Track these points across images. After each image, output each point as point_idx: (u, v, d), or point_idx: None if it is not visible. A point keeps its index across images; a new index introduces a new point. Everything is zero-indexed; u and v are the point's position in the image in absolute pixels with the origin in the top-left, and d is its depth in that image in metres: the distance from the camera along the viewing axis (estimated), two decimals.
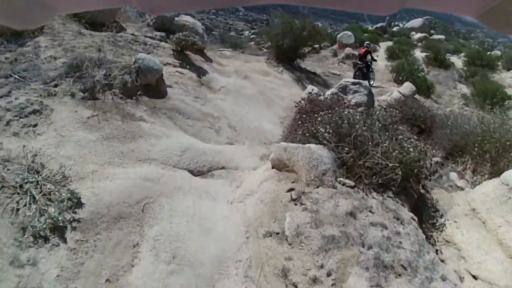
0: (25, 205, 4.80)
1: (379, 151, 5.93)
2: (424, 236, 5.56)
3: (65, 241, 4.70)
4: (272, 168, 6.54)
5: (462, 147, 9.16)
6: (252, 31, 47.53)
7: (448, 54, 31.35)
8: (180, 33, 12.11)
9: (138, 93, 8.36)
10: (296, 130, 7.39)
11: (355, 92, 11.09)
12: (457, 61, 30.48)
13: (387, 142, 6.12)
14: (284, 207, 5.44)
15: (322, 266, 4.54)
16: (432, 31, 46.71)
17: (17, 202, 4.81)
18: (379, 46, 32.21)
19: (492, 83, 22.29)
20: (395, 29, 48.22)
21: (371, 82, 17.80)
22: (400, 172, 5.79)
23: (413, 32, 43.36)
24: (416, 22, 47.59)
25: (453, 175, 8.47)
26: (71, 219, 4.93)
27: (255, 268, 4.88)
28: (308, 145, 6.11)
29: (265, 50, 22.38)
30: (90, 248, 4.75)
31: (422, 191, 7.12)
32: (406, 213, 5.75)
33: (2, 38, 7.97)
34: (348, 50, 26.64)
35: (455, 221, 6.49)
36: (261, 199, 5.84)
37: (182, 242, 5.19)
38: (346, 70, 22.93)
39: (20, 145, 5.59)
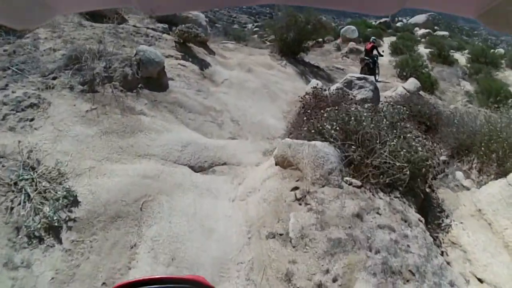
0: (19, 204, 4.63)
1: (387, 149, 5.72)
2: (432, 239, 5.38)
3: (60, 242, 4.54)
4: (276, 165, 6.35)
5: (468, 145, 8.92)
6: (256, 24, 47.22)
7: (451, 51, 31.07)
8: (183, 25, 11.94)
9: (139, 86, 8.18)
10: (301, 126, 7.16)
11: (360, 87, 10.86)
12: (461, 58, 30.27)
13: (395, 141, 5.92)
14: (288, 207, 5.25)
15: (327, 271, 4.35)
16: (435, 27, 46.32)
17: (12, 201, 4.64)
18: (383, 41, 31.91)
19: (496, 81, 22.09)
20: (398, 24, 47.84)
21: (377, 77, 17.58)
22: (408, 172, 5.60)
23: (416, 28, 43.09)
24: (420, 18, 47.25)
25: (459, 174, 8.28)
26: (67, 218, 4.76)
27: (258, 271, 4.70)
28: (313, 142, 5.91)
29: (268, 43, 22.27)
30: (86, 249, 4.58)
31: (427, 190, 6.92)
32: (413, 214, 5.57)
33: (0, 30, 7.77)
34: (351, 44, 26.32)
35: (461, 222, 6.31)
36: (264, 198, 5.66)
37: (181, 243, 5.00)
38: (350, 64, 22.71)
39: (16, 141, 5.40)
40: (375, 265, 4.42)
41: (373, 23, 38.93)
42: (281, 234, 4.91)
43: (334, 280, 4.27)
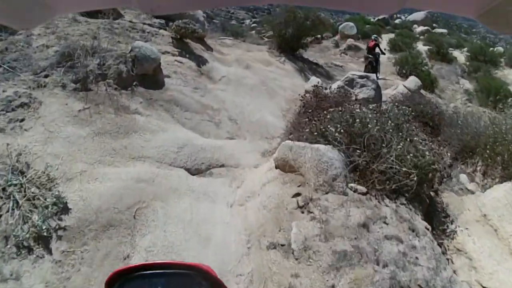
0: (7, 211, 4.39)
1: (394, 154, 5.45)
2: (440, 249, 5.16)
3: (50, 252, 4.30)
4: (276, 168, 6.10)
5: (472, 147, 8.81)
6: (253, 20, 46.91)
7: (450, 49, 31.07)
8: (180, 21, 11.70)
9: (134, 83, 7.93)
10: (304, 128, 6.87)
11: (362, 86, 10.62)
12: (460, 55, 30.31)
13: (401, 144, 5.65)
14: (289, 215, 4.98)
15: (333, 287, 4.08)
16: (434, 25, 46.20)
17: (0, 208, 4.39)
18: (381, 38, 31.78)
19: (496, 80, 22.12)
20: (397, 21, 47.70)
21: (378, 75, 17.40)
22: (415, 178, 5.35)
23: (415, 25, 42.88)
24: (418, 15, 46.99)
25: (463, 177, 8.14)
26: (57, 227, 4.52)
27: (258, 284, 4.43)
28: (316, 145, 5.62)
29: (266, 39, 22.08)
30: (77, 261, 4.34)
31: (432, 193, 6.70)
32: (420, 222, 5.33)
33: None
34: (350, 41, 26.21)
35: (466, 228, 6.13)
36: (264, 205, 5.39)
37: (177, 253, 4.73)
38: (348, 61, 22.67)
39: (5, 143, 5.15)
40: (383, 280, 4.16)
41: (372, 19, 38.79)
42: (282, 245, 4.65)
43: None
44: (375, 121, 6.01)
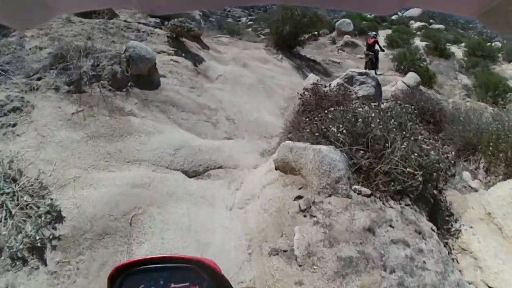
0: (0, 221, 4.25)
1: (398, 154, 5.27)
2: (447, 251, 5.02)
3: (45, 263, 4.17)
4: (276, 169, 5.94)
5: (474, 144, 8.75)
6: (250, 17, 46.77)
7: (448, 44, 31.10)
8: (176, 19, 11.53)
9: (129, 84, 7.77)
10: (303, 128, 6.68)
11: (362, 83, 10.47)
12: (457, 51, 30.45)
13: (405, 144, 5.47)
14: (291, 219, 4.81)
15: None
16: (431, 20, 46.13)
17: None
18: (378, 34, 31.70)
19: (494, 75, 22.21)
20: (394, 17, 47.57)
21: (376, 71, 17.55)
22: (421, 179, 5.18)
23: (412, 21, 42.78)
24: (415, 11, 46.76)
25: (466, 175, 8.06)
26: (51, 237, 4.38)
27: None
28: (318, 146, 5.43)
29: (262, 36, 21.94)
30: (73, 271, 4.20)
31: (435, 192, 6.55)
32: (425, 224, 5.17)
33: None
34: (347, 37, 26.15)
35: (471, 227, 6.00)
36: (265, 208, 5.22)
37: None
38: (346, 58, 22.58)
39: None
40: (390, 286, 4.01)
41: (368, 16, 38.63)
42: (285, 251, 4.47)
43: None
44: (378, 120, 5.82)
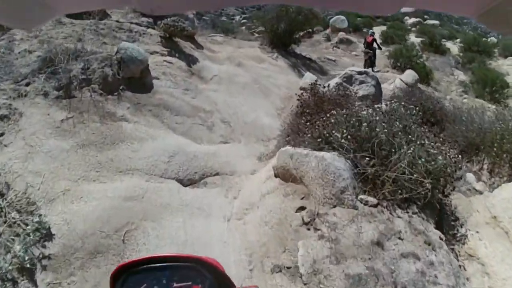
0: None
1: (405, 160, 5.00)
2: (457, 262, 4.87)
3: (35, 284, 4.02)
4: (275, 177, 5.65)
5: (477, 144, 8.54)
6: (243, 16, 46.58)
7: (443, 40, 31.03)
8: (169, 19, 11.31)
9: (120, 87, 7.55)
10: (305, 132, 6.38)
11: (361, 82, 10.23)
12: (453, 47, 30.52)
13: (412, 149, 5.19)
14: (294, 232, 4.55)
15: None
16: (425, 16, 46.09)
17: None
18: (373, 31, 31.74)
19: (491, 70, 22.20)
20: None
21: (374, 69, 17.59)
22: (429, 186, 4.93)
23: (406, 17, 42.74)
24: None
25: (470, 177, 7.84)
26: (40, 256, 4.19)
27: None
28: (321, 153, 5.13)
29: (257, 35, 21.77)
30: None
31: (441, 196, 6.33)
32: (434, 233, 4.94)
33: None
34: (341, 34, 25.97)
35: (477, 231, 5.80)
36: (265, 220, 4.95)
37: None
38: (341, 55, 22.44)
39: None
40: None
41: None
42: (288, 267, 4.22)
43: None
44: (383, 124, 5.53)
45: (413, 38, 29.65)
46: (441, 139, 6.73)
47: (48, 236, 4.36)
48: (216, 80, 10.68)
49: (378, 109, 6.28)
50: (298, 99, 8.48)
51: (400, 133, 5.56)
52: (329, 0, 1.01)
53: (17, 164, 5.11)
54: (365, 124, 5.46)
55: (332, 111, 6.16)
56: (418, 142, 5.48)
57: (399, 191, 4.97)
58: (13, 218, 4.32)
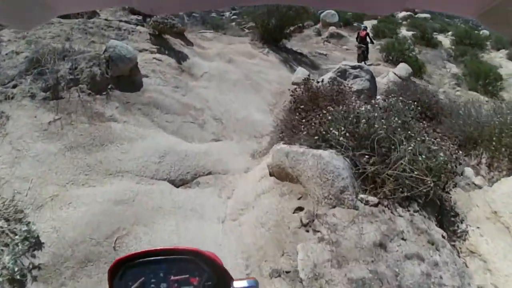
0: None
1: (406, 157, 4.82)
2: (461, 261, 4.74)
3: None
4: (270, 175, 5.47)
5: (475, 138, 8.49)
6: (233, 11, 46.49)
7: (434, 33, 31.15)
8: (158, 16, 10.99)
9: (109, 87, 7.37)
10: (301, 130, 6.17)
11: (355, 77, 10.06)
12: (445, 40, 30.66)
13: (412, 145, 5.01)
14: (293, 235, 4.38)
15: None
16: (416, 10, 46.17)
17: None
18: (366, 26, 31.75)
19: (484, 63, 22.32)
20: None
21: (366, 62, 17.66)
22: (431, 184, 4.77)
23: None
24: None
25: (469, 171, 7.79)
26: (30, 266, 4.06)
27: None
28: (319, 151, 4.93)
29: (247, 30, 21.63)
30: None
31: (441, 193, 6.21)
32: (436, 231, 4.80)
33: None
34: (332, 29, 25.94)
35: (478, 227, 5.69)
36: (261, 222, 4.76)
37: None
38: (332, 49, 22.40)
39: None
40: None
41: None
42: (287, 272, 4.05)
43: None
44: (382, 120, 5.35)
45: (404, 32, 29.69)
46: (440, 134, 6.60)
47: (37, 245, 4.23)
48: (206, 77, 10.52)
49: (376, 105, 6.10)
50: (291, 95, 8.28)
51: (399, 129, 5.42)
52: (329, 0, 0.97)
53: (4, 169, 4.98)
54: (363, 120, 5.27)
55: (329, 107, 5.97)
56: (418, 138, 5.33)
57: (400, 189, 4.80)
58: (1, 227, 4.19)
